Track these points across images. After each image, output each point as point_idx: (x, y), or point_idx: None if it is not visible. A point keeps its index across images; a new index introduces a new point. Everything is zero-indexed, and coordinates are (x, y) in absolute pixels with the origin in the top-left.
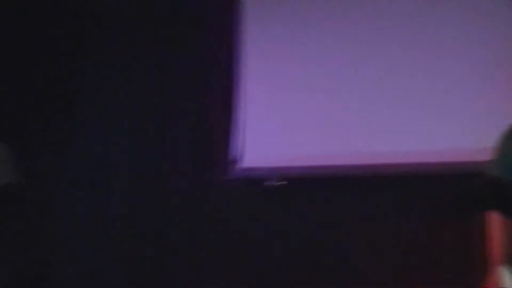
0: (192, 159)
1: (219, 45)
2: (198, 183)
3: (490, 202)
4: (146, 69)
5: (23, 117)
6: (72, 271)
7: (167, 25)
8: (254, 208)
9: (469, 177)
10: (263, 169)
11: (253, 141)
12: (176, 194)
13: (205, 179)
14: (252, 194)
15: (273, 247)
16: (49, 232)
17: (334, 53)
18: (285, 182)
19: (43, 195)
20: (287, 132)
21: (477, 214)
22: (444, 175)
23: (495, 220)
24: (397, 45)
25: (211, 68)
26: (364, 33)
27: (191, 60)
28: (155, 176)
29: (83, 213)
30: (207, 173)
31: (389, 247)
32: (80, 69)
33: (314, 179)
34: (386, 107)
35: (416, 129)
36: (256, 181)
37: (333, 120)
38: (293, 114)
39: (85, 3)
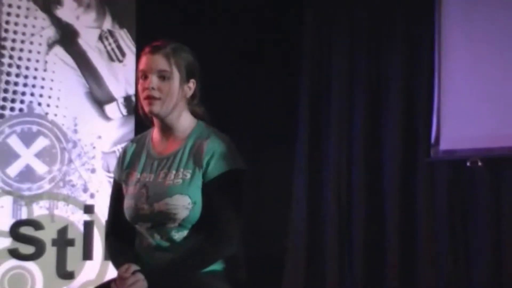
0: (399, 141)
1: (421, 29)
2: (404, 165)
3: None
4: (358, 56)
5: (250, 111)
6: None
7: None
8: (458, 189)
9: None
10: (466, 150)
11: (455, 123)
12: (386, 175)
13: (410, 161)
14: (456, 175)
15: (478, 228)
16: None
17: None
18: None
19: (269, 180)
20: (489, 112)
21: None
22: None
23: None
24: None
25: (416, 53)
26: None
27: (395, 48)
28: (365, 159)
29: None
30: (412, 155)
31: None
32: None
33: None
34: None
35: None
36: (459, 162)
37: None
38: (496, 95)
39: None
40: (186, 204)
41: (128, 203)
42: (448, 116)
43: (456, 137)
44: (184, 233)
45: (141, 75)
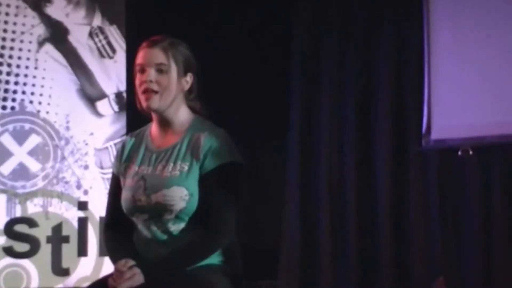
0: (390, 131)
1: (411, 20)
2: (395, 154)
3: None
4: (349, 47)
5: (242, 108)
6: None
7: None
8: (449, 178)
9: None
10: (457, 139)
11: (446, 112)
12: (378, 165)
13: (401, 151)
14: (447, 164)
15: (470, 216)
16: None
17: None
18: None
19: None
20: (480, 101)
21: None
22: None
23: None
24: None
25: (405, 44)
26: None
27: (386, 39)
28: (356, 150)
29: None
30: (403, 145)
31: None
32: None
33: (508, 147)
34: None
35: None
36: (450, 151)
37: None
38: (486, 84)
39: None
40: (183, 196)
41: (125, 194)
42: (439, 105)
43: (447, 126)
44: (181, 225)
45: (139, 69)
